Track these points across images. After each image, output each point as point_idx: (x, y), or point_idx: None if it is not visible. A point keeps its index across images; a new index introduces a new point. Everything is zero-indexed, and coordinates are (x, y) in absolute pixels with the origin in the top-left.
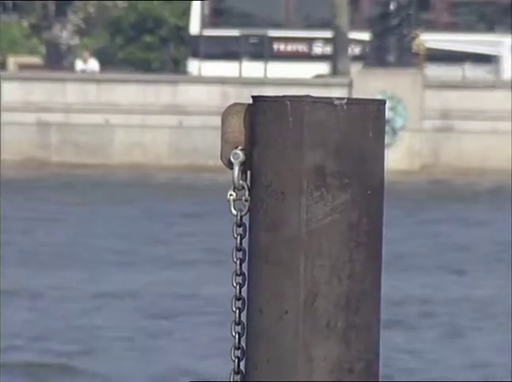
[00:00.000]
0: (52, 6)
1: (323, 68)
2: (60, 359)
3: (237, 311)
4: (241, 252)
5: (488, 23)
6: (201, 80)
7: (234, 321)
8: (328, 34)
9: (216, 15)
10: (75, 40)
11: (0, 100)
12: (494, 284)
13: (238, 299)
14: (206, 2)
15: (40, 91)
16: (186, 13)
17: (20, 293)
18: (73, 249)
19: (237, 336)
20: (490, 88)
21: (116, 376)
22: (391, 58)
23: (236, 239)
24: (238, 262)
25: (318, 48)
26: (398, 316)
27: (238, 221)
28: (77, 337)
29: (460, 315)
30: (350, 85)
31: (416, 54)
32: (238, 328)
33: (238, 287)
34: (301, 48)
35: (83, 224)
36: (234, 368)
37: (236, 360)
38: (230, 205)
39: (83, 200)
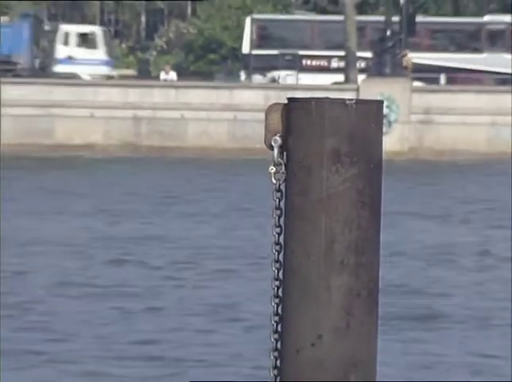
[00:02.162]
0: (143, 33)
1: (338, 77)
2: None
3: (276, 253)
4: (279, 210)
5: (458, 45)
6: (250, 86)
7: (274, 259)
8: (342, 53)
9: (261, 39)
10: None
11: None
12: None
13: (277, 244)
14: (254, 29)
15: (135, 94)
16: (239, 38)
17: None
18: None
19: (276, 271)
20: (459, 92)
21: None
22: (387, 70)
23: (275, 201)
24: (277, 217)
25: (335, 63)
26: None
27: (277, 188)
28: None
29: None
30: (357, 90)
31: (406, 67)
32: (277, 265)
33: (277, 236)
34: (323, 63)
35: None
36: (274, 294)
37: (275, 288)
38: (271, 177)
39: (171, 172)
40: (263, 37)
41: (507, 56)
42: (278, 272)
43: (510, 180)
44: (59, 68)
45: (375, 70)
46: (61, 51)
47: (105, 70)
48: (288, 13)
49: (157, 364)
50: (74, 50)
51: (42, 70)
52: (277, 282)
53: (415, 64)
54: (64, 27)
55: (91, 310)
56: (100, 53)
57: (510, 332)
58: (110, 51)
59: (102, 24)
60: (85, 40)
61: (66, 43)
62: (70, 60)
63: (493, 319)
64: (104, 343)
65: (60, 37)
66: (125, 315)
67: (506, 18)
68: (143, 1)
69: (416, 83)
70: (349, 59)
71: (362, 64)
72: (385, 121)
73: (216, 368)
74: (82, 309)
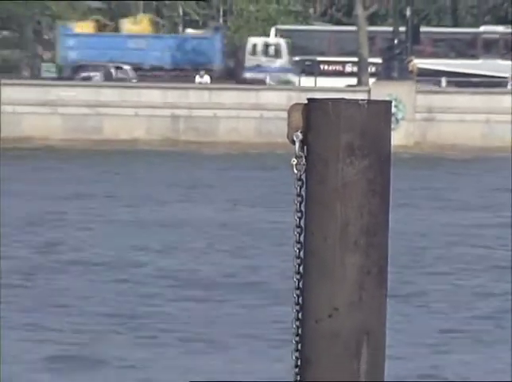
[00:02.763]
0: None
1: (352, 80)
2: None
3: (297, 235)
4: (300, 197)
5: (457, 52)
6: (274, 88)
7: (296, 241)
8: (355, 59)
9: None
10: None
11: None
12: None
13: (298, 227)
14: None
15: (173, 96)
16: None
17: None
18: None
19: (297, 250)
20: (457, 93)
21: None
22: (395, 74)
23: (296, 189)
24: (298, 203)
25: (349, 68)
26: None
27: (298, 177)
28: None
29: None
30: (369, 91)
31: (411, 72)
32: (298, 245)
33: (298, 220)
34: (338, 68)
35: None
36: (295, 270)
37: (297, 266)
38: (293, 167)
39: (205, 163)
40: (286, 45)
41: (500, 61)
42: (299, 252)
43: (510, 171)
44: (248, 75)
45: (384, 74)
46: (250, 60)
47: (288, 76)
48: (307, 24)
49: None
50: (261, 59)
51: (232, 76)
52: (298, 261)
53: (419, 69)
54: (253, 39)
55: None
56: (283, 62)
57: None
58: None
59: None
60: (270, 50)
61: (254, 53)
62: (258, 67)
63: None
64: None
65: (248, 47)
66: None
67: (499, 29)
68: (181, 14)
69: (422, 86)
70: (361, 64)
71: (373, 69)
72: (393, 119)
73: None
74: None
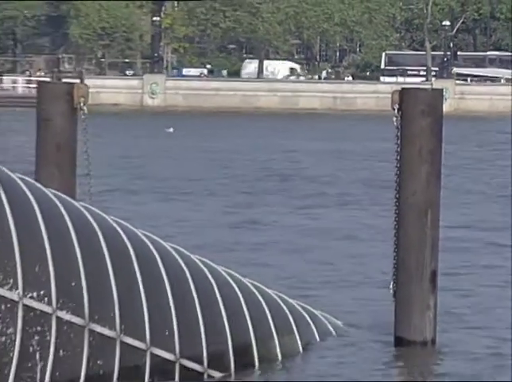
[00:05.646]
0: (337, 60)
1: (423, 79)
2: None
3: (397, 157)
4: (397, 137)
5: (476, 64)
6: (384, 82)
7: (396, 159)
8: (424, 68)
9: (389, 62)
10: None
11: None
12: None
13: (397, 152)
14: (386, 58)
15: (334, 87)
16: (380, 61)
17: None
18: None
19: (397, 165)
20: (476, 85)
21: None
22: (445, 76)
23: (396, 133)
24: (397, 140)
25: (422, 73)
26: None
27: (396, 126)
28: None
29: None
30: (432, 84)
31: (453, 75)
32: (397, 162)
33: (397, 146)
34: (416, 73)
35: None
36: (396, 173)
37: (396, 169)
38: (393, 122)
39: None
40: (390, 61)
41: (498, 69)
42: (397, 163)
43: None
44: None
45: (439, 76)
46: None
47: None
48: (401, 50)
49: None
50: None
51: None
52: (398, 172)
53: (457, 73)
54: None
55: None
56: None
57: None
58: None
59: (322, 58)
60: None
61: None
62: None
63: None
64: None
65: None
66: None
67: (497, 53)
68: (338, 45)
69: (458, 81)
70: (428, 71)
71: (434, 73)
72: (444, 98)
73: None
74: None
